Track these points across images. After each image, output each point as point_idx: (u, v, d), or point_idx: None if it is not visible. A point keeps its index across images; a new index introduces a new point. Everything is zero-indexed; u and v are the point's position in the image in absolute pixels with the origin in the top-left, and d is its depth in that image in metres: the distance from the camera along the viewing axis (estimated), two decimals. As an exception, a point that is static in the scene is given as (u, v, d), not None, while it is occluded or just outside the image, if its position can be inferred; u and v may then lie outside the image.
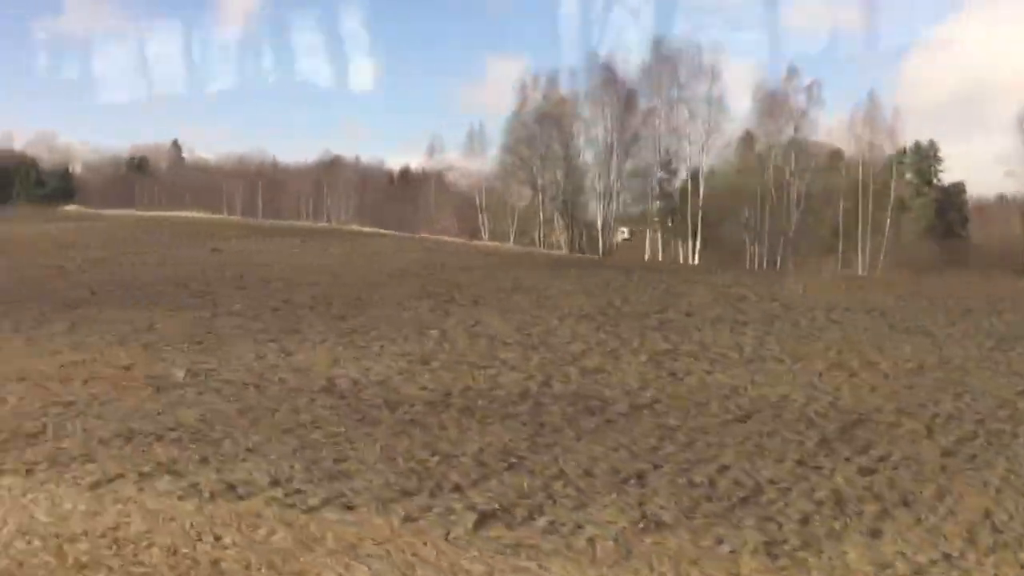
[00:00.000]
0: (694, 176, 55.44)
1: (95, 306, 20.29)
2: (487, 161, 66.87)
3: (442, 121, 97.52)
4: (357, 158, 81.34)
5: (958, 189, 65.82)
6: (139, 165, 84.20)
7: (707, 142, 54.80)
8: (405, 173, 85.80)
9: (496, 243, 53.97)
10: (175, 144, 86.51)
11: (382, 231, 50.91)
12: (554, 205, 60.54)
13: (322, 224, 59.85)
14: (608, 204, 57.45)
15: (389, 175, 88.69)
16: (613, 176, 57.42)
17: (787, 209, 53.01)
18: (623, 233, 60.45)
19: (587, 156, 59.99)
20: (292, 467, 9.38)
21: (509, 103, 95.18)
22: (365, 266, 28.35)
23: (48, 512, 7.92)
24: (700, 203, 54.31)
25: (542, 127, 60.21)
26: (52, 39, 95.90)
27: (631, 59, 58.85)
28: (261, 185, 76.82)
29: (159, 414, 11.55)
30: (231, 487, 8.66)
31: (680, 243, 55.64)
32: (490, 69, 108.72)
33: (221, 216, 67.06)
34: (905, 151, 61.85)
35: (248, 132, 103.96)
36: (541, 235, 61.59)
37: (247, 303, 20.47)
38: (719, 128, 54.55)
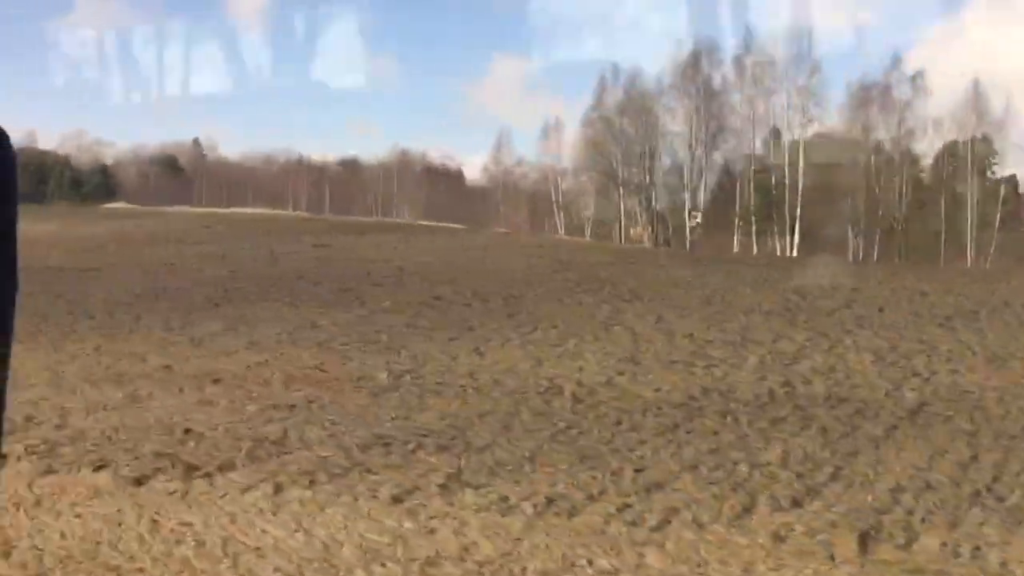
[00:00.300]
0: (792, 168, 54.09)
1: (237, 304, 19.77)
2: (562, 156, 65.97)
3: (443, 120, 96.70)
4: (424, 154, 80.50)
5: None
6: (170, 162, 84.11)
7: (805, 134, 53.52)
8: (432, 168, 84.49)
9: (585, 239, 53.19)
10: (196, 142, 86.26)
11: (454, 226, 50.30)
12: (636, 199, 59.59)
13: (404, 220, 59.39)
14: (695, 198, 56.39)
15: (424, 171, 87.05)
16: (700, 169, 56.38)
17: (896, 201, 51.59)
18: (696, 218, 59.12)
19: (671, 149, 59.06)
20: (594, 478, 8.59)
21: (511, 102, 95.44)
22: (486, 261, 27.68)
23: (371, 530, 7.19)
24: (799, 196, 53.04)
25: (623, 120, 59.34)
26: (60, 39, 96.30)
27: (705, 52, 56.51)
28: (328, 182, 76.58)
29: (394, 419, 10.85)
30: (550, 501, 7.88)
31: (776, 236, 54.34)
32: (494, 68, 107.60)
33: (290, 212, 66.94)
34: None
35: (249, 131, 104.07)
36: (621, 230, 60.66)
37: (395, 300, 19.83)
38: (817, 120, 53.30)
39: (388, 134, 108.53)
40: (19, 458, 9.25)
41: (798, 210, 52.25)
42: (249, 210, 62.98)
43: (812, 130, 53.13)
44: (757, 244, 54.56)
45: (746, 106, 54.20)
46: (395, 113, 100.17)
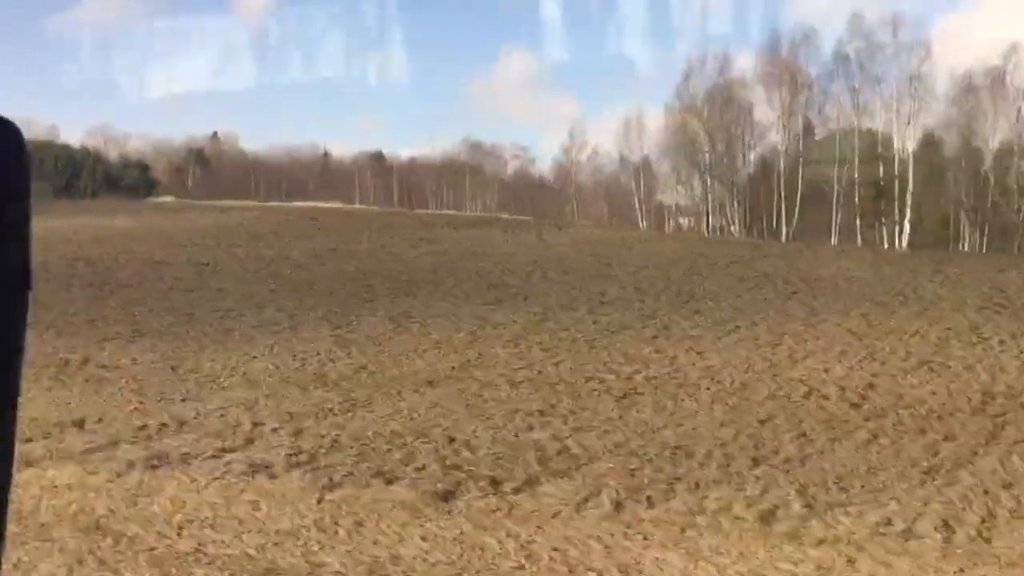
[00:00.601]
0: (901, 158, 52.51)
1: (389, 299, 19.16)
2: (644, 147, 64.81)
3: (450, 115, 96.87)
4: (496, 146, 79.54)
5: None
6: (199, 157, 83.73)
7: (914, 122, 51.83)
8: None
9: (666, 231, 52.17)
10: (215, 136, 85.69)
11: (522, 219, 49.40)
12: (726, 189, 58.31)
13: (483, 214, 58.64)
14: (792, 188, 54.93)
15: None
16: (796, 157, 54.93)
17: (1015, 191, 49.87)
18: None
19: (761, 138, 57.74)
20: (966, 497, 7.71)
21: (519, 95, 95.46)
22: (618, 254, 26.87)
23: (780, 559, 6.38)
24: (909, 186, 51.50)
25: (711, 108, 58.09)
26: (65, 35, 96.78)
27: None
28: (396, 176, 76.13)
29: (665, 426, 10.06)
30: (946, 524, 7.02)
31: (883, 227, 52.75)
32: (502, 61, 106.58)
33: (359, 206, 66.49)
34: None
35: (258, 127, 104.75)
36: (708, 221, 59.42)
37: (560, 296, 19.08)
38: (926, 108, 51.62)
39: (394, 128, 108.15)
40: (285, 469, 8.59)
41: (908, 201, 50.68)
42: (317, 204, 62.49)
43: (922, 119, 51.46)
44: (862, 235, 52.90)
45: (847, 95, 52.61)
46: (402, 108, 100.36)
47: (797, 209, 54.47)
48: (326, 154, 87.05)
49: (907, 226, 51.28)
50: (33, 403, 11.38)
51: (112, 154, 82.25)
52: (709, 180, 59.24)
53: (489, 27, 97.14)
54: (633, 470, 8.39)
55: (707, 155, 58.55)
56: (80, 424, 10.54)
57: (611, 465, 8.53)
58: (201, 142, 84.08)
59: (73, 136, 79.42)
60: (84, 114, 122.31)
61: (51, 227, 34.80)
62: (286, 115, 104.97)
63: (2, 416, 0.91)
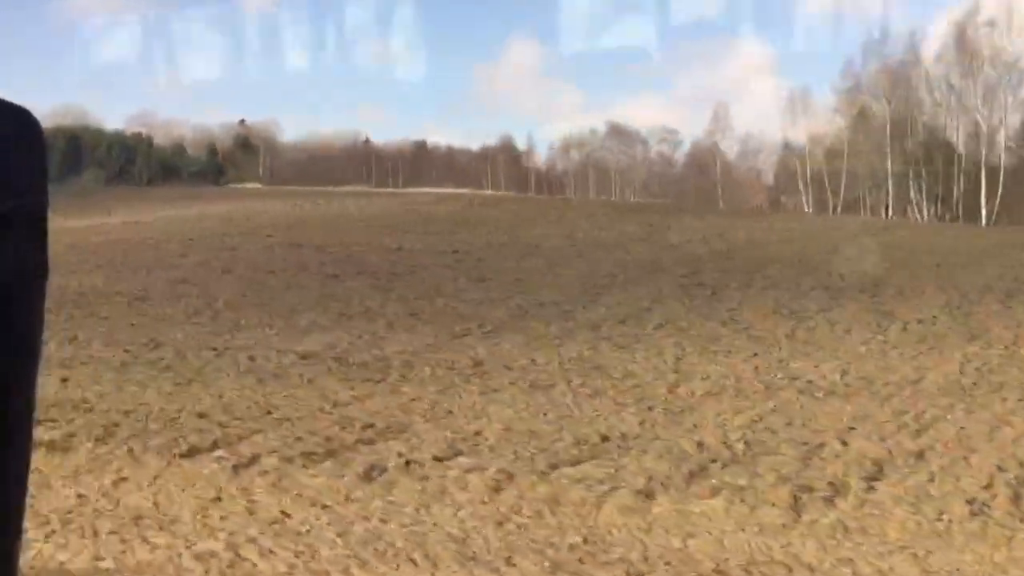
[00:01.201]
0: None
1: (715, 291, 18.04)
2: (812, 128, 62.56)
3: (455, 106, 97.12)
4: (638, 132, 77.27)
5: None
6: (244, 143, 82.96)
7: None
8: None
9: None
10: (242, 123, 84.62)
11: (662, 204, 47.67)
12: (913, 172, 55.78)
13: (646, 200, 57.22)
14: (993, 173, 52.36)
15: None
16: (995, 142, 52.39)
17: None
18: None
19: (950, 121, 55.16)
20: None
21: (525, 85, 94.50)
22: (905, 245, 25.26)
23: None
24: None
25: (893, 87, 55.76)
26: (83, 23, 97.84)
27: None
28: (504, 161, 74.83)
29: None
30: None
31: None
32: (512, 54, 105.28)
33: (495, 192, 65.32)
34: None
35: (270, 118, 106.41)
36: (890, 204, 57.08)
37: (910, 291, 17.65)
38: None
39: (400, 119, 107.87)
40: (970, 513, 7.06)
41: None
42: (438, 189, 61.22)
43: None
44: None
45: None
46: (407, 99, 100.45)
47: (999, 195, 51.92)
48: (367, 141, 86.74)
49: None
50: (502, 413, 10.15)
51: (157, 140, 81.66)
52: (890, 163, 56.95)
53: (497, 17, 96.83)
54: None
55: (888, 137, 56.33)
56: (606, 439, 9.23)
57: None
58: (236, 129, 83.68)
59: (110, 123, 79.25)
60: (111, 103, 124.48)
61: (204, 212, 34.27)
62: (299, 105, 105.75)
63: (10, 404, 0.90)
